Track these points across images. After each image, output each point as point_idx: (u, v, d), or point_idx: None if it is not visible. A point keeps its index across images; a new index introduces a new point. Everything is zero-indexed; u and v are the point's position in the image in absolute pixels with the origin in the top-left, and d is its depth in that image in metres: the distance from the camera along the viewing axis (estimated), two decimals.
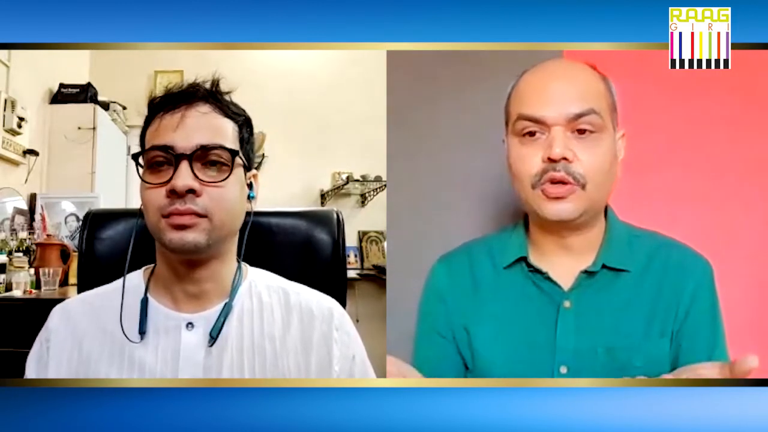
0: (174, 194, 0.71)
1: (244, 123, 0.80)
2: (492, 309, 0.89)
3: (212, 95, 0.78)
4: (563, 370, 0.83)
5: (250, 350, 0.78)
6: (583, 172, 0.79)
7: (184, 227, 0.71)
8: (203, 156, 0.73)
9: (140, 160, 0.75)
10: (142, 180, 0.74)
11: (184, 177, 0.71)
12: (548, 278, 0.86)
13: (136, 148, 0.78)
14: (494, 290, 0.90)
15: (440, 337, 0.92)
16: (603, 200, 0.84)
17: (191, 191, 0.71)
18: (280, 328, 0.80)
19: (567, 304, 0.85)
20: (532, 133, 0.81)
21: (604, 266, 0.85)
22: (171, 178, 0.71)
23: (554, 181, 0.79)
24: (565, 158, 0.78)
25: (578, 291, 0.85)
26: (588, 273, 0.85)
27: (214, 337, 0.76)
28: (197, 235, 0.72)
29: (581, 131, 0.80)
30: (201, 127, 0.74)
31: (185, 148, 0.72)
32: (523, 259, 0.89)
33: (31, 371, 0.79)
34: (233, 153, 0.75)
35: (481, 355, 0.89)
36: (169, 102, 0.76)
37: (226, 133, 0.76)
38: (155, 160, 0.73)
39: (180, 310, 0.78)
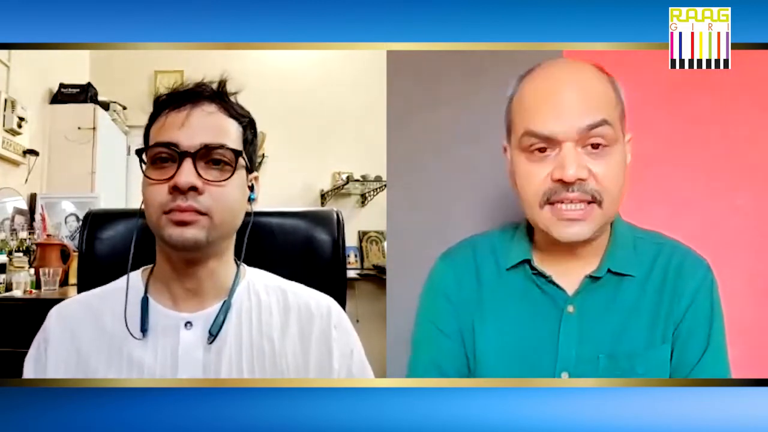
0: (176, 191, 0.72)
1: (248, 125, 0.80)
2: (494, 311, 0.88)
3: (218, 95, 0.78)
4: (564, 375, 0.82)
5: (248, 349, 0.78)
6: (600, 188, 0.75)
7: (185, 224, 0.72)
8: (207, 155, 0.74)
9: (143, 156, 0.76)
10: (145, 176, 0.75)
11: (187, 174, 0.71)
12: (552, 282, 0.85)
13: (136, 148, 0.78)
14: (497, 292, 0.89)
15: (444, 336, 0.90)
16: (616, 211, 0.82)
17: (193, 189, 0.72)
18: (278, 327, 0.80)
19: (571, 309, 0.84)
20: (541, 149, 0.76)
21: (609, 271, 0.83)
22: (174, 175, 0.72)
23: (568, 201, 0.76)
24: (579, 179, 0.74)
25: (582, 296, 0.84)
26: (593, 278, 0.83)
27: (213, 334, 0.76)
28: (197, 231, 0.72)
29: (594, 146, 0.75)
30: (206, 126, 0.75)
31: (189, 146, 0.73)
32: (527, 262, 0.87)
33: (29, 373, 0.79)
34: (236, 153, 0.76)
35: (481, 358, 0.88)
36: (175, 100, 0.76)
37: (230, 133, 0.77)
38: (159, 156, 0.74)
39: (179, 310, 0.79)
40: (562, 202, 0.76)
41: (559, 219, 0.76)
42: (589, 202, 0.76)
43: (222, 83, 0.79)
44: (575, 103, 0.76)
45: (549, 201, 0.76)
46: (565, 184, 0.75)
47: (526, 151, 0.78)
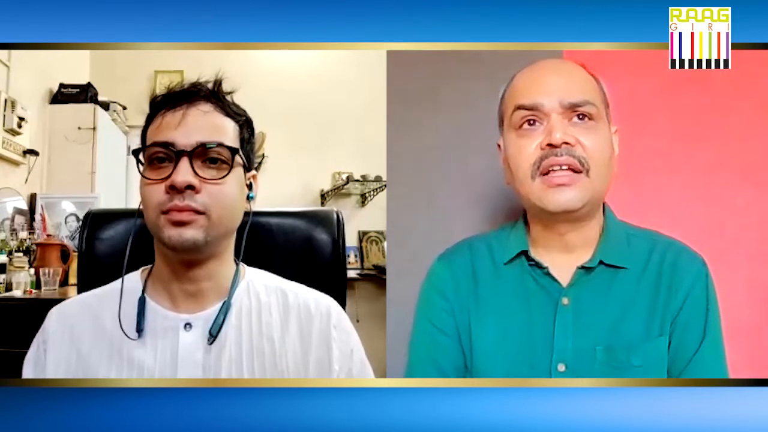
0: (173, 190, 0.71)
1: (244, 123, 0.81)
2: (491, 307, 0.89)
3: (214, 95, 0.78)
4: (561, 367, 0.83)
5: (248, 350, 0.78)
6: (586, 156, 0.79)
7: (183, 224, 0.72)
8: (203, 153, 0.74)
9: (141, 157, 0.76)
10: (143, 176, 0.75)
11: (183, 173, 0.71)
12: (548, 273, 0.86)
13: (133, 148, 0.78)
14: (493, 288, 0.90)
15: (442, 334, 0.91)
16: (604, 192, 0.84)
17: (190, 187, 0.72)
18: (278, 327, 0.80)
19: (565, 301, 0.85)
20: (530, 122, 0.81)
21: (601, 262, 0.85)
22: (171, 175, 0.72)
23: (556, 166, 0.79)
24: (566, 143, 0.79)
25: (576, 288, 0.85)
26: (585, 269, 0.85)
27: (213, 335, 0.76)
28: (195, 231, 0.72)
29: (580, 117, 0.80)
30: (202, 125, 0.75)
31: (185, 144, 0.73)
32: (524, 254, 0.89)
33: (29, 373, 0.79)
34: (233, 151, 0.76)
35: (479, 354, 0.88)
36: (171, 100, 0.76)
37: (227, 132, 0.77)
38: (156, 156, 0.74)
39: (178, 311, 0.78)
40: (552, 170, 0.79)
41: (549, 186, 0.79)
42: (577, 172, 0.79)
43: (217, 83, 0.79)
44: (561, 84, 0.82)
45: (540, 170, 0.80)
46: (553, 148, 0.79)
47: (516, 128, 0.83)
